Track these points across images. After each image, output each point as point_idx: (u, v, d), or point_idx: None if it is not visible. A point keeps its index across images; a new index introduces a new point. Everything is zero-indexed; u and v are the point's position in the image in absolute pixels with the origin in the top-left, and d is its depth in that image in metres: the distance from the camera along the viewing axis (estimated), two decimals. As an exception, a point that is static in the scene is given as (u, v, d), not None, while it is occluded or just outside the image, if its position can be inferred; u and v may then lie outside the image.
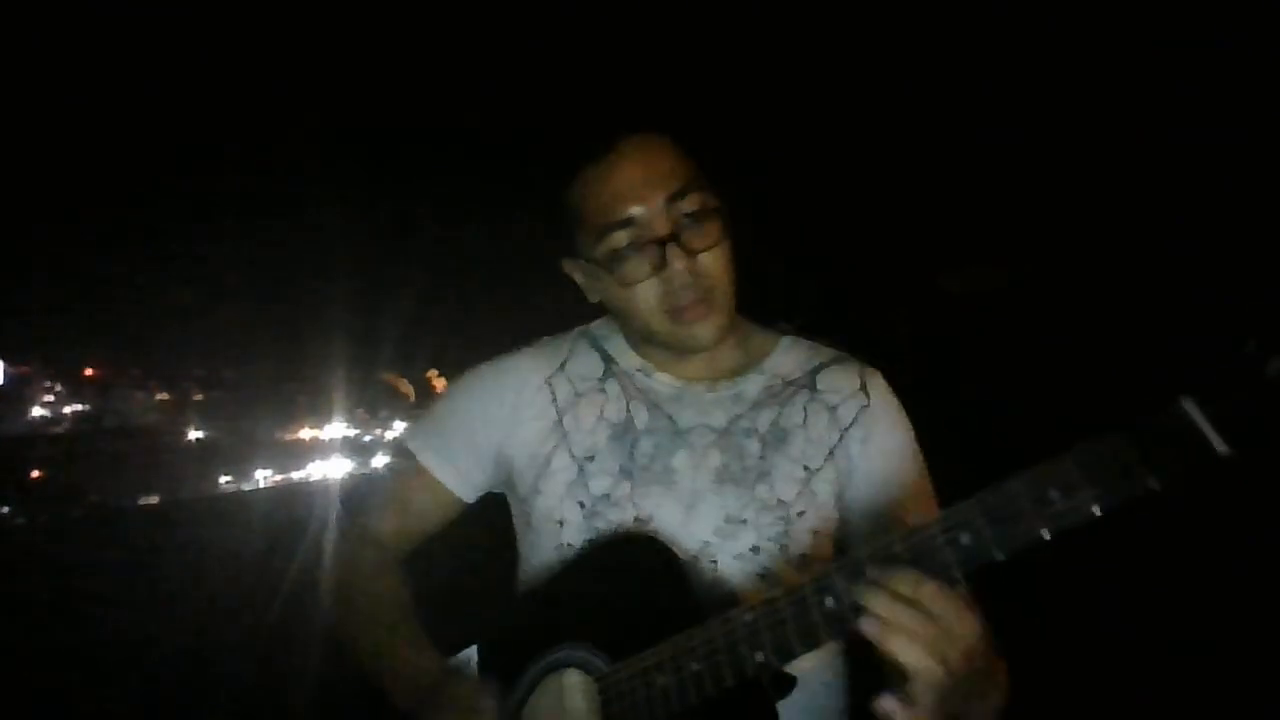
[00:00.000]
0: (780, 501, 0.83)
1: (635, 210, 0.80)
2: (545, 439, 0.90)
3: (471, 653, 0.82)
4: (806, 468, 0.85)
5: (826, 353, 0.93)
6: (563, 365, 0.94)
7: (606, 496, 0.85)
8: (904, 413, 0.91)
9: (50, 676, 4.26)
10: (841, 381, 0.90)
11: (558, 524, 0.86)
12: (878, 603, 0.58)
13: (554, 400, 0.91)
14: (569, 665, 0.76)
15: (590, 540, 0.84)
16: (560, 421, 0.90)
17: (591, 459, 0.87)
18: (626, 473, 0.85)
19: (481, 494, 0.97)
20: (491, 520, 1.00)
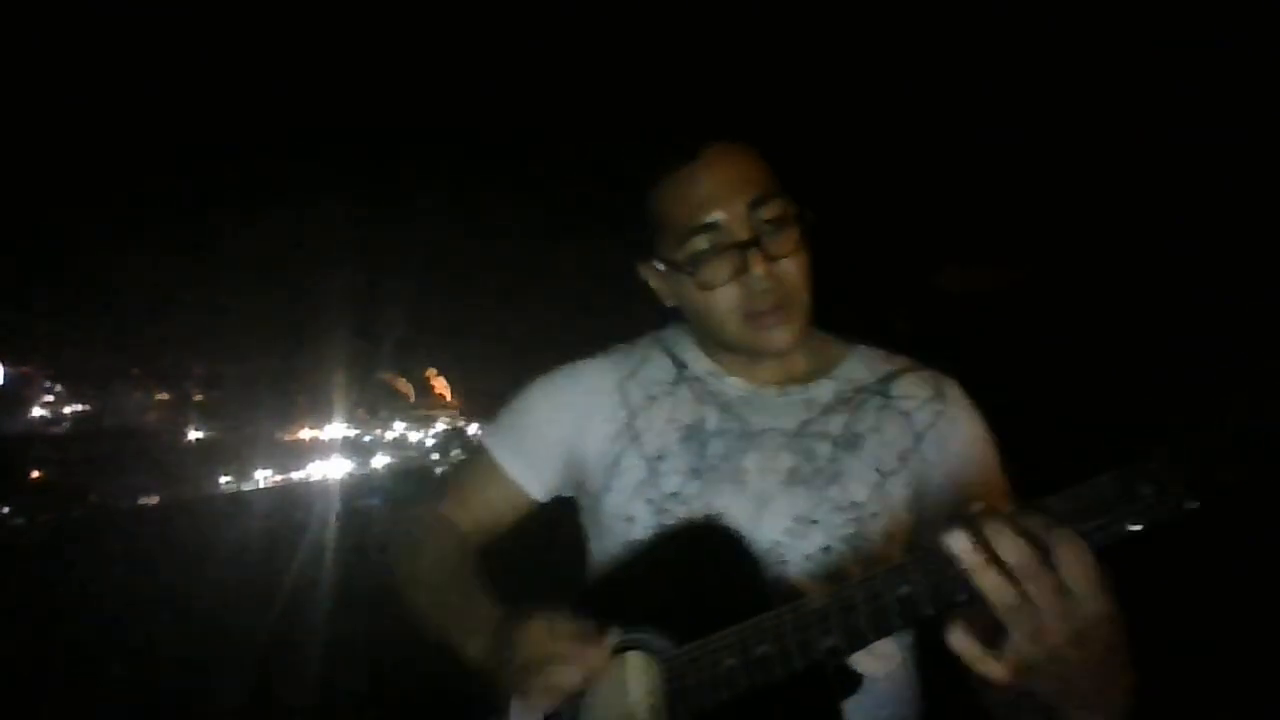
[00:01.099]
0: (853, 503, 0.82)
1: (718, 215, 0.81)
2: (616, 439, 0.91)
3: None
4: (879, 471, 0.84)
5: (900, 361, 0.93)
6: (635, 370, 0.96)
7: (676, 494, 0.85)
8: (983, 420, 0.90)
9: (50, 676, 4.26)
10: (916, 388, 0.90)
11: (627, 521, 0.87)
12: (1002, 540, 0.54)
13: (625, 403, 0.93)
14: (634, 648, 0.76)
15: (659, 533, 0.85)
16: (631, 423, 0.91)
17: (662, 458, 0.87)
18: (696, 472, 0.86)
19: (553, 495, 0.98)
20: (562, 523, 1.02)
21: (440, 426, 53.59)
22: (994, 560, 0.54)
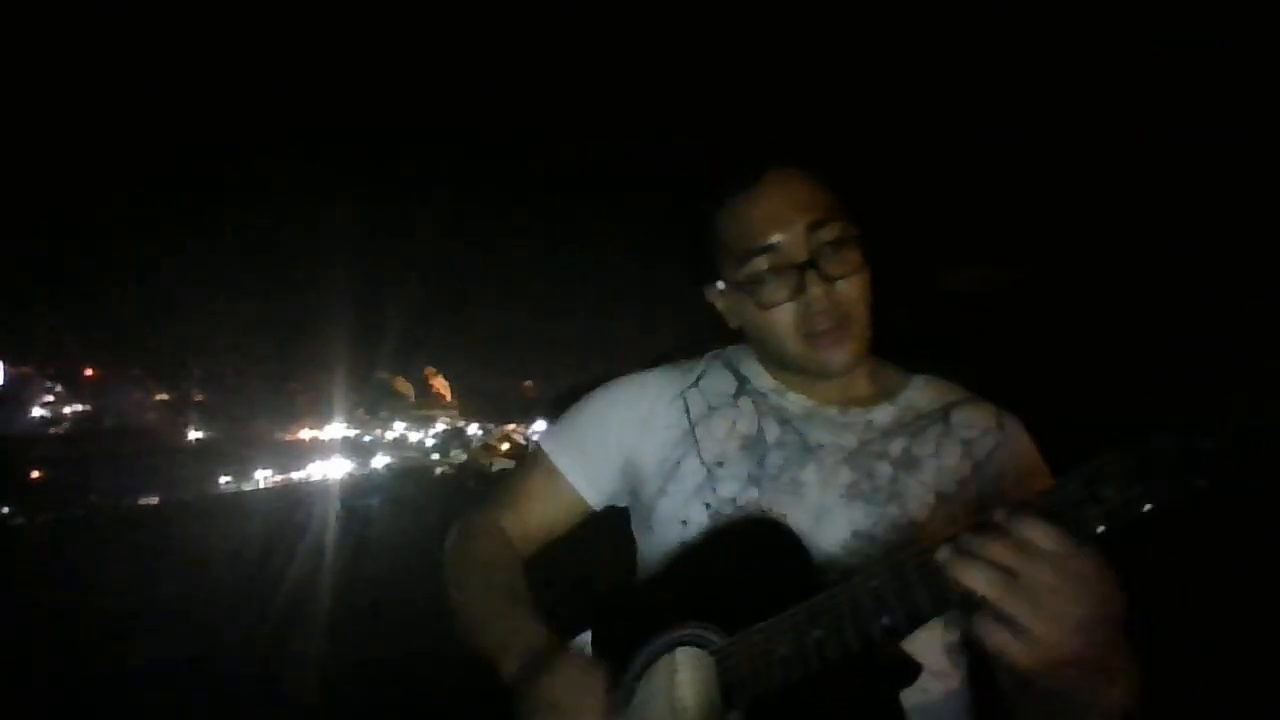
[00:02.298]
0: (912, 523, 0.82)
1: (777, 237, 0.83)
2: (676, 445, 0.92)
3: (586, 636, 0.82)
4: (939, 494, 0.84)
5: (961, 392, 0.94)
6: (696, 381, 0.97)
7: (733, 500, 0.85)
8: (1040, 456, 0.89)
9: (50, 676, 4.26)
10: (976, 418, 0.90)
11: (682, 524, 0.87)
12: (992, 549, 0.56)
13: (687, 411, 0.94)
14: (684, 643, 0.75)
15: (715, 534, 0.85)
16: (692, 430, 0.92)
17: (721, 464, 0.88)
18: (755, 480, 0.86)
19: (609, 502, 0.99)
20: (611, 528, 1.03)
21: (440, 426, 53.60)
22: (981, 562, 0.56)
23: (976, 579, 0.56)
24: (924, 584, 0.61)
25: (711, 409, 0.93)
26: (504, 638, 0.82)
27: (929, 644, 0.75)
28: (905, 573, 0.63)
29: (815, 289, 0.82)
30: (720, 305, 0.94)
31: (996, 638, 0.56)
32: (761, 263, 0.84)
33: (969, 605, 0.59)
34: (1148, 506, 0.54)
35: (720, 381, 0.96)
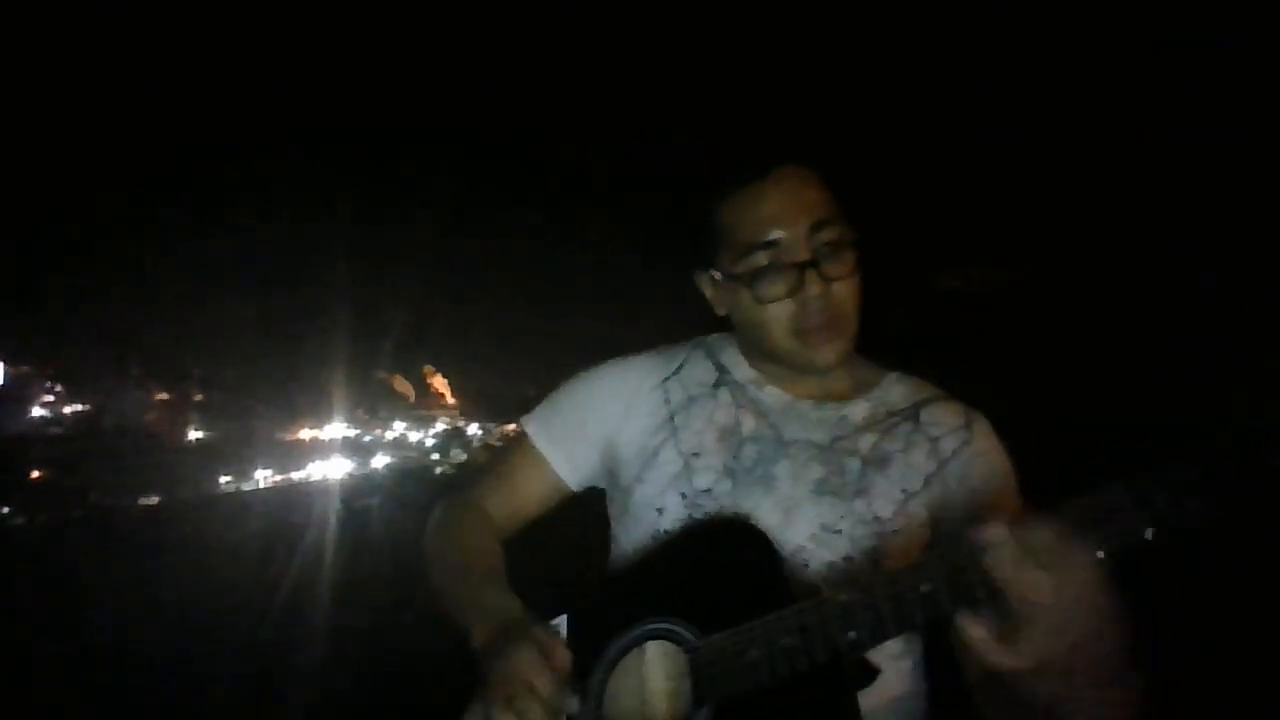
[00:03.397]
0: (877, 518, 0.85)
1: (780, 234, 0.86)
2: (655, 434, 0.95)
3: (561, 621, 0.84)
4: (904, 490, 0.87)
5: (932, 391, 0.97)
6: (678, 370, 1.00)
7: (708, 491, 0.89)
8: (1007, 457, 0.92)
9: (49, 676, 4.26)
10: (945, 417, 0.93)
11: (657, 511, 0.90)
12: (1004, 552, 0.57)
13: (667, 400, 0.97)
14: (657, 637, 0.77)
15: (688, 526, 0.88)
16: (671, 419, 0.95)
17: (697, 455, 0.91)
18: (729, 472, 0.89)
19: (588, 484, 1.02)
20: (589, 510, 1.05)
21: (440, 426, 53.61)
22: (1027, 553, 0.57)
23: (1030, 581, 0.56)
24: (890, 605, 0.65)
25: (691, 399, 0.96)
26: (476, 610, 0.83)
27: None
28: (874, 593, 0.66)
29: (814, 288, 0.85)
30: (710, 293, 0.96)
31: (987, 638, 0.58)
32: (762, 258, 0.86)
33: (933, 626, 0.63)
34: (1100, 552, 0.57)
35: (700, 371, 0.99)
